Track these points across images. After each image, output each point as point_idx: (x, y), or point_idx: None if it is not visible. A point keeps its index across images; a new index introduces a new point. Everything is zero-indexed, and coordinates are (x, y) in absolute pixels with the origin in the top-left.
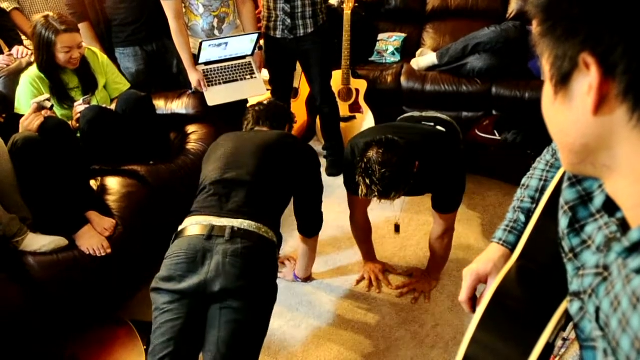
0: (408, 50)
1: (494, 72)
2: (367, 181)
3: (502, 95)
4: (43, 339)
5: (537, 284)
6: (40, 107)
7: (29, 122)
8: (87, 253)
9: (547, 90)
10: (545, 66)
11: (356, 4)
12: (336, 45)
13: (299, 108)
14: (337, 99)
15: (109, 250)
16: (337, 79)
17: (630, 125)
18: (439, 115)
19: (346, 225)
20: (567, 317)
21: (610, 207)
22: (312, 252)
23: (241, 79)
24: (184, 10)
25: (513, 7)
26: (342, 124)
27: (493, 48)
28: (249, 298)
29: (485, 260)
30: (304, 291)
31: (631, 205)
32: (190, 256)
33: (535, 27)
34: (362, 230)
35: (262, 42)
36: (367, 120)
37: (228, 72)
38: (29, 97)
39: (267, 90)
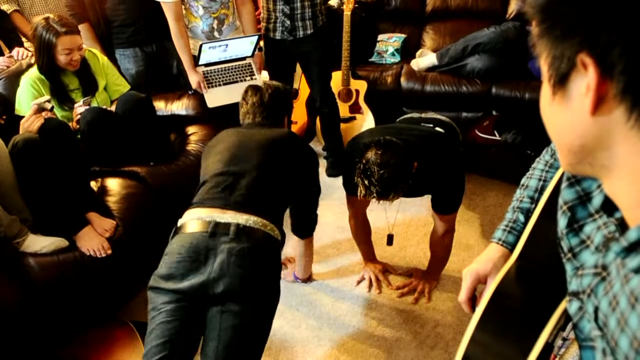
0: (408, 50)
1: (493, 73)
2: (366, 182)
3: (502, 95)
4: (43, 340)
5: (536, 283)
6: (40, 109)
7: (29, 124)
8: (88, 254)
9: (545, 90)
10: (544, 66)
11: (356, 5)
12: (336, 46)
13: (299, 109)
14: (337, 100)
15: (109, 251)
16: (337, 79)
17: (629, 125)
18: (438, 116)
19: (346, 226)
20: (566, 317)
21: (608, 207)
22: (308, 253)
23: (241, 81)
24: (183, 12)
25: (513, 8)
26: (342, 125)
27: (493, 48)
28: (251, 301)
29: (484, 261)
30: (304, 291)
31: (629, 205)
32: (193, 254)
33: (533, 28)
34: (361, 231)
35: (262, 43)
36: (367, 121)
37: (228, 73)
38: (30, 99)
39: None
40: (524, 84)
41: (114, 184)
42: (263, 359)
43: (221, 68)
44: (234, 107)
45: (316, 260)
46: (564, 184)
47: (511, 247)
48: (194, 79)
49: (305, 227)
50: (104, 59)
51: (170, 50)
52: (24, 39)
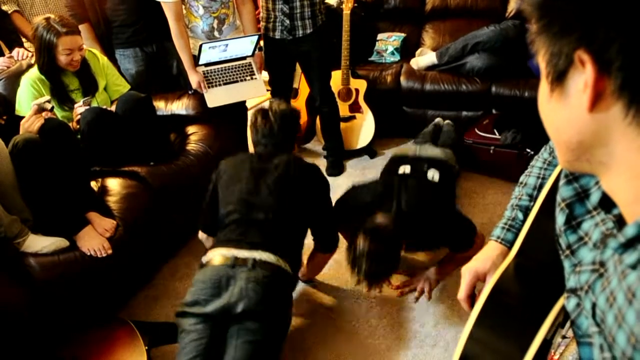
0: (407, 49)
1: (493, 71)
2: (356, 271)
3: (502, 94)
4: (44, 340)
5: (534, 280)
6: (40, 109)
7: (30, 124)
8: (88, 254)
9: (543, 87)
10: (541, 64)
11: (355, 4)
12: (335, 45)
13: (298, 108)
14: (337, 99)
15: (109, 251)
16: (336, 79)
17: (626, 122)
18: (435, 153)
19: None
20: (565, 314)
21: (606, 203)
22: (322, 264)
23: (241, 80)
24: (184, 12)
25: (512, 6)
26: (342, 124)
27: (492, 47)
28: (265, 321)
29: (483, 258)
30: (304, 291)
31: (627, 202)
32: (215, 282)
33: (531, 25)
34: None
35: (262, 43)
36: (367, 120)
37: (228, 73)
38: (30, 99)
39: (267, 90)
40: (523, 82)
41: (114, 184)
42: None
43: (221, 68)
44: (234, 106)
45: None
46: (561, 181)
47: (510, 245)
48: (194, 78)
49: (327, 244)
50: (104, 59)
51: (170, 51)
52: (24, 40)
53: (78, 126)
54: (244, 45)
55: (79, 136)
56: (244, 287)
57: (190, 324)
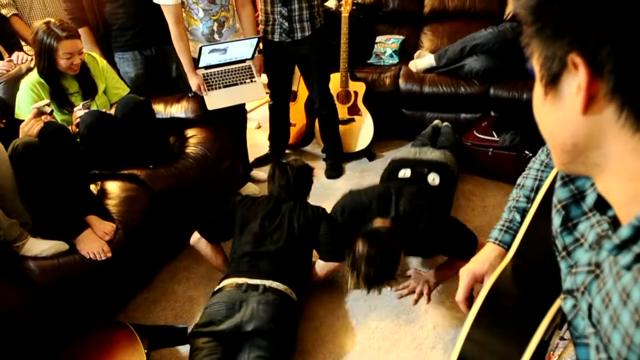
0: (406, 52)
1: (491, 74)
2: (354, 275)
3: (500, 96)
4: (44, 343)
5: (531, 282)
6: (40, 112)
7: (29, 127)
8: (88, 257)
9: (538, 90)
10: (536, 67)
11: (354, 7)
12: (334, 48)
13: (297, 111)
14: (336, 102)
15: (109, 254)
16: (335, 81)
17: (619, 124)
18: (435, 156)
19: None
20: (563, 315)
21: (601, 205)
22: (327, 274)
23: (241, 83)
24: (183, 14)
25: (510, 9)
26: (341, 127)
27: (490, 49)
28: (274, 339)
29: (481, 260)
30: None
31: (622, 203)
32: (229, 304)
33: (525, 29)
34: None
35: (261, 45)
36: (365, 122)
37: (228, 75)
38: (29, 103)
39: (267, 93)
40: (521, 84)
41: (114, 187)
42: None
43: (221, 70)
44: (234, 109)
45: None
46: (558, 183)
47: (507, 246)
48: (193, 81)
49: (333, 255)
50: (103, 62)
51: (170, 54)
52: (23, 43)
53: (77, 129)
54: (244, 48)
55: (78, 139)
56: (255, 308)
57: (204, 342)
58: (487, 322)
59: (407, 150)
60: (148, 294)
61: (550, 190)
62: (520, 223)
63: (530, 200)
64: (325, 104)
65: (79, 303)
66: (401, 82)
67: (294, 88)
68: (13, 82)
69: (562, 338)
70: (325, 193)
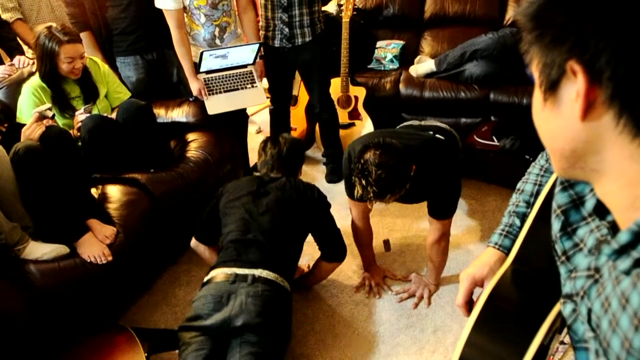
0: (406, 57)
1: (491, 79)
2: (363, 182)
3: (500, 101)
4: (44, 346)
5: (531, 286)
6: (41, 117)
7: (31, 131)
8: (88, 260)
9: (537, 97)
10: (535, 73)
11: (354, 12)
12: (335, 53)
13: (298, 115)
14: (336, 106)
15: (109, 258)
16: (336, 86)
17: (617, 130)
18: (437, 123)
19: (346, 231)
20: (562, 320)
21: (601, 210)
22: (327, 275)
23: (242, 88)
24: (185, 19)
25: (510, 14)
26: (342, 131)
27: (490, 54)
28: (265, 334)
29: (481, 264)
30: (303, 296)
31: (620, 208)
32: (217, 297)
33: (524, 36)
34: (363, 236)
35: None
36: (366, 127)
37: (229, 80)
38: (31, 107)
39: (267, 98)
40: (521, 89)
41: (115, 191)
42: None
43: (222, 75)
44: (235, 114)
45: None
46: (557, 188)
47: (507, 251)
48: (194, 86)
49: (334, 254)
50: (104, 66)
51: (171, 58)
52: (25, 47)
53: (79, 134)
54: (245, 54)
55: (79, 143)
56: (244, 301)
57: (191, 336)
58: (487, 326)
59: (410, 122)
60: (149, 297)
61: (550, 195)
62: (520, 228)
63: (529, 205)
64: (326, 109)
65: (79, 306)
66: (402, 87)
67: (295, 93)
68: (15, 86)
69: (561, 342)
70: (327, 197)
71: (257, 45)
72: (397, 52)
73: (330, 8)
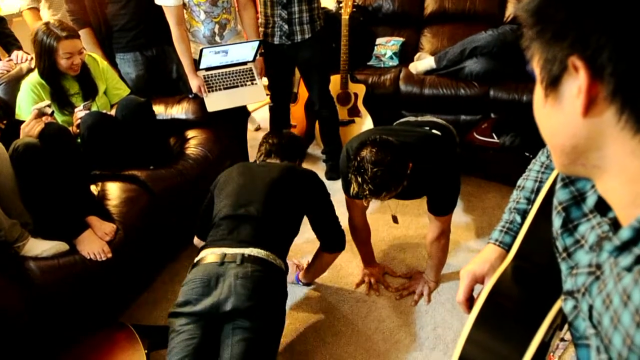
0: (406, 54)
1: (491, 76)
2: (359, 179)
3: (500, 98)
4: (44, 344)
5: (532, 283)
6: (40, 113)
7: (30, 128)
8: (88, 258)
9: (538, 93)
10: (536, 69)
11: (354, 9)
12: (334, 50)
13: (298, 113)
14: (336, 104)
15: (109, 255)
16: (335, 83)
17: (619, 126)
18: (435, 119)
19: (345, 228)
20: (563, 316)
21: (602, 206)
22: (327, 266)
23: (242, 85)
24: (185, 16)
25: (510, 11)
26: (341, 128)
27: (490, 51)
28: (258, 318)
29: (481, 261)
30: (303, 294)
31: (622, 205)
32: (205, 281)
33: (525, 31)
34: (361, 233)
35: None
36: (365, 124)
37: (228, 77)
38: (30, 104)
39: (267, 95)
40: (522, 86)
41: (114, 188)
42: None
43: (222, 72)
44: (234, 111)
45: None
46: (558, 185)
47: (508, 248)
48: (194, 83)
49: (334, 243)
50: (103, 63)
51: (170, 55)
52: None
53: (78, 130)
54: (245, 51)
55: (79, 140)
56: (233, 283)
57: (181, 324)
58: (487, 323)
59: (407, 118)
60: (149, 294)
61: (551, 191)
62: (521, 224)
63: (530, 201)
64: (326, 106)
65: (79, 303)
66: (401, 84)
67: (295, 90)
68: (14, 83)
69: (562, 339)
70: None
71: (257, 43)
72: (397, 49)
73: (330, 5)
